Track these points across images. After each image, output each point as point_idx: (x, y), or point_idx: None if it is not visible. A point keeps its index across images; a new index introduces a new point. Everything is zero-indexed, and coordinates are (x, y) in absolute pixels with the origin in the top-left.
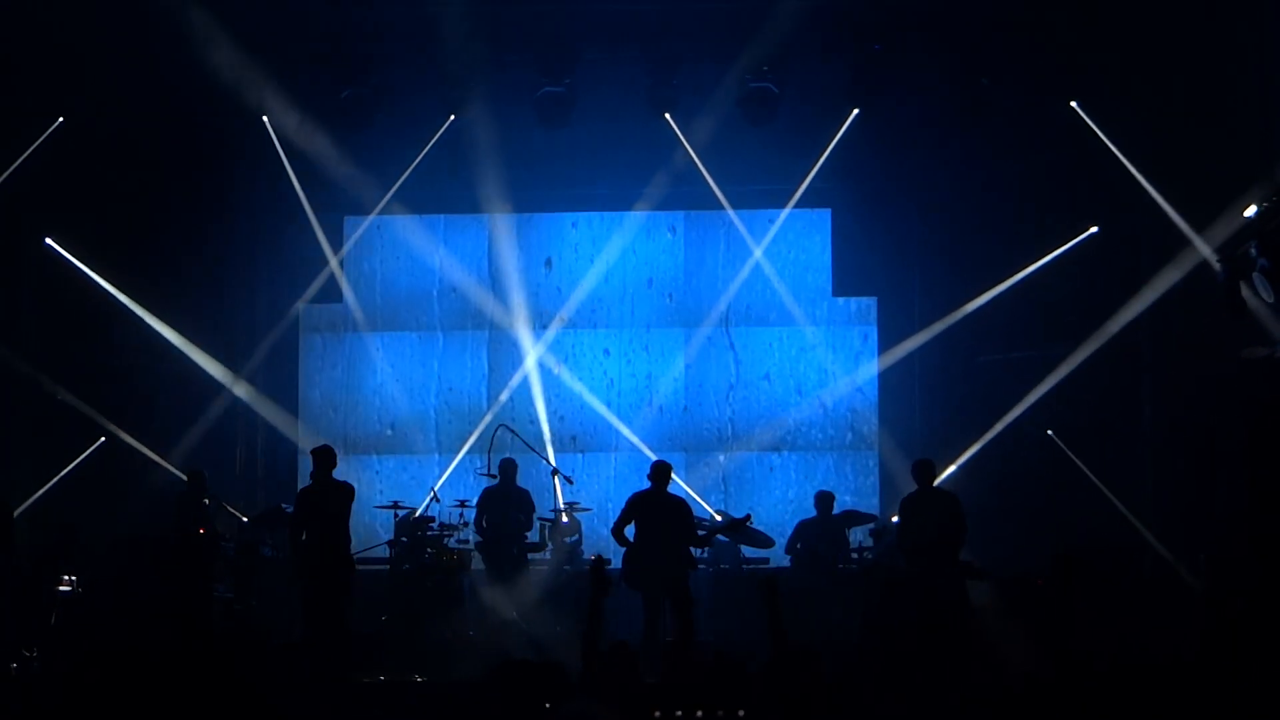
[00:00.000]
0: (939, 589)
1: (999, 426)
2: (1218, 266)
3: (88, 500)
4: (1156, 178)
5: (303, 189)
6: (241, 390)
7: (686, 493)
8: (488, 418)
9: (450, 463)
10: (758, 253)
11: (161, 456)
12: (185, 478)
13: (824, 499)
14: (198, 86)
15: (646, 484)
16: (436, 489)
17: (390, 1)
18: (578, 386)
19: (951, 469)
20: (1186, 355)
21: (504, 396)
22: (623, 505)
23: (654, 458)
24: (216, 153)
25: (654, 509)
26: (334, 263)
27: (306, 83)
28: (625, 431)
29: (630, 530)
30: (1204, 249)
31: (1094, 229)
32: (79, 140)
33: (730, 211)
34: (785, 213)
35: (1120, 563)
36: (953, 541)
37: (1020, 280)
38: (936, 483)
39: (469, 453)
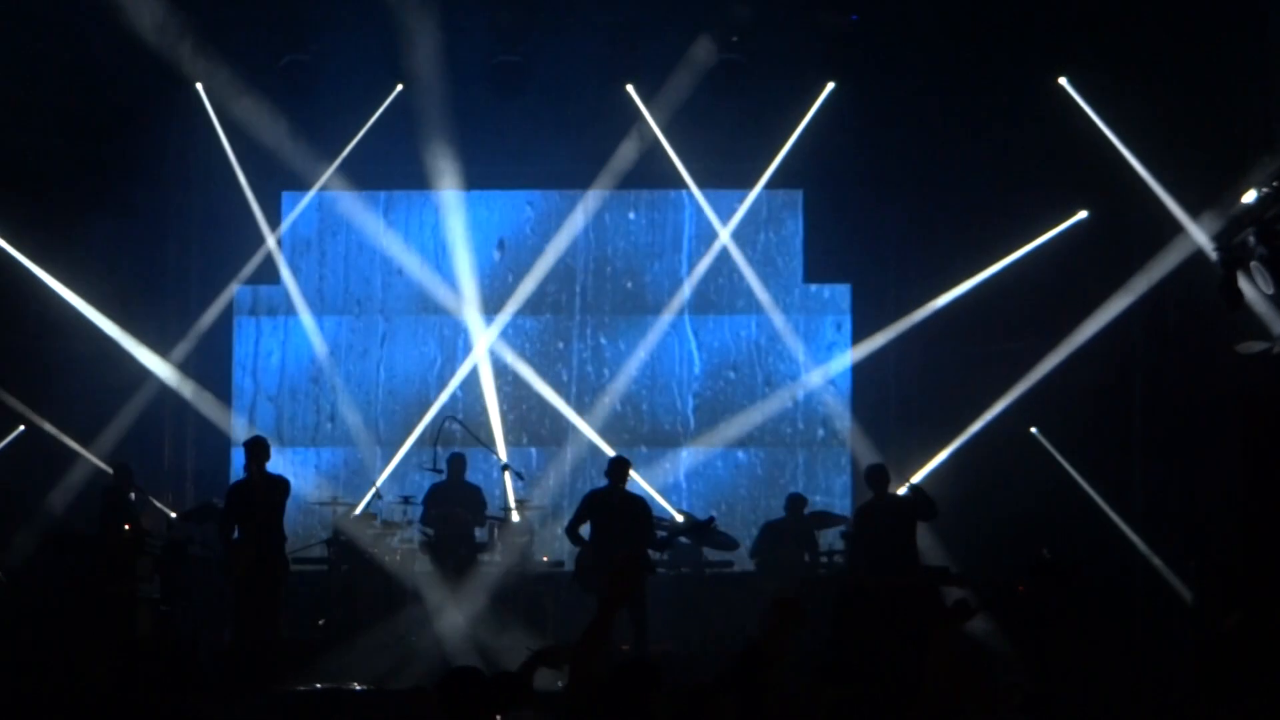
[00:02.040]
0: (908, 598)
1: (979, 423)
2: (1214, 255)
3: (5, 493)
4: (1149, 160)
5: (238, 161)
6: (170, 376)
7: (646, 491)
8: (434, 409)
9: (394, 456)
10: (724, 235)
11: (84, 447)
12: (110, 470)
13: (795, 502)
14: (124, 49)
15: (604, 481)
16: (379, 484)
17: None
18: (530, 376)
19: (929, 468)
20: (1179, 349)
21: (452, 386)
22: (578, 502)
23: (612, 453)
24: (145, 121)
25: (611, 508)
26: (271, 241)
27: (243, 47)
28: (581, 425)
29: (586, 530)
30: (1200, 236)
31: (1083, 213)
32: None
33: (696, 191)
34: (755, 193)
35: (1106, 568)
36: (905, 549)
37: (1004, 267)
38: (914, 482)
39: (414, 446)
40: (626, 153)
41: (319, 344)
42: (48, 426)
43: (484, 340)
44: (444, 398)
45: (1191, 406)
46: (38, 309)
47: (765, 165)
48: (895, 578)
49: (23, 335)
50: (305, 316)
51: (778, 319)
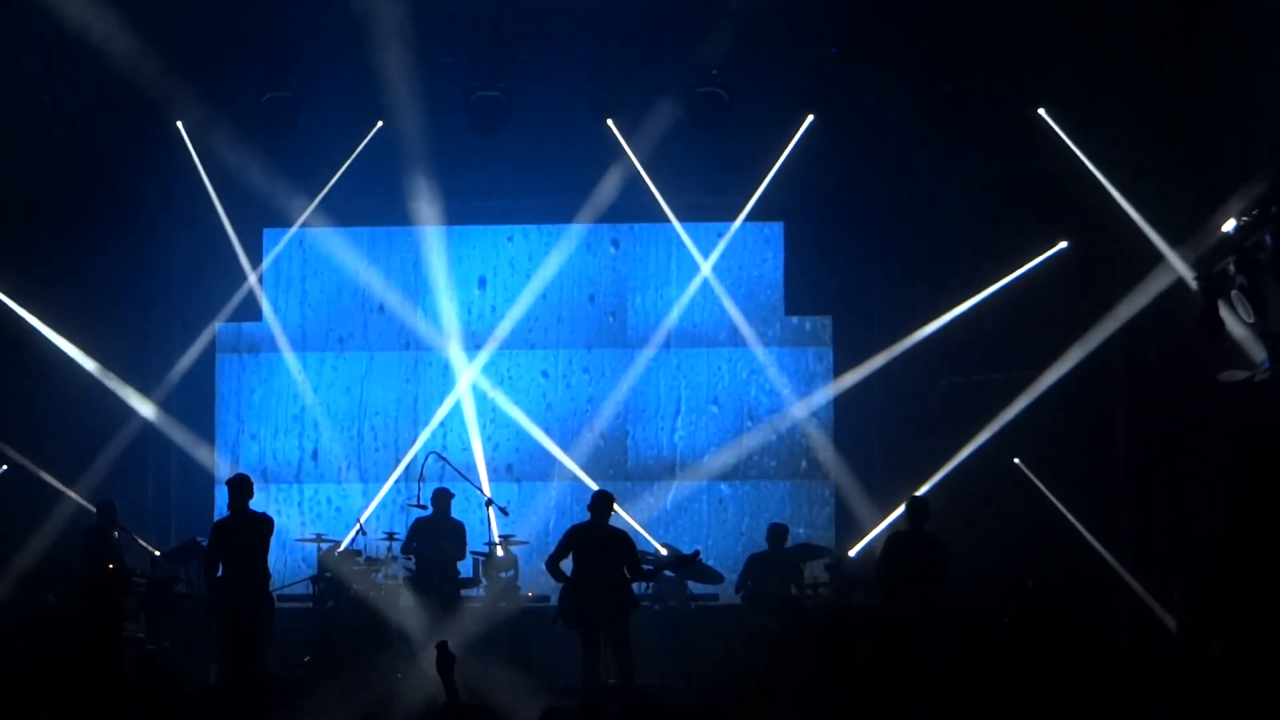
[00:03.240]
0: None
1: (962, 454)
2: (1194, 284)
3: None
4: (1129, 190)
5: (219, 199)
6: (153, 415)
7: (630, 525)
8: (418, 445)
9: (377, 493)
10: (706, 268)
11: (67, 486)
12: (94, 509)
13: (777, 532)
14: (104, 87)
15: (586, 515)
16: (363, 521)
17: None
18: (513, 411)
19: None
20: (1161, 378)
21: (435, 422)
22: (561, 536)
23: (595, 487)
24: (126, 159)
25: (594, 542)
26: (253, 278)
27: (224, 85)
28: (564, 459)
29: (568, 565)
30: (1180, 266)
31: (1064, 244)
32: None
33: (677, 224)
34: (736, 226)
35: (1090, 597)
36: (936, 589)
37: (986, 298)
38: (895, 515)
39: (397, 482)
40: (607, 187)
41: (301, 381)
42: (29, 465)
43: (467, 376)
44: (427, 434)
45: (1174, 435)
46: (19, 347)
47: (746, 198)
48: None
49: (4, 373)
50: (288, 354)
51: (760, 351)
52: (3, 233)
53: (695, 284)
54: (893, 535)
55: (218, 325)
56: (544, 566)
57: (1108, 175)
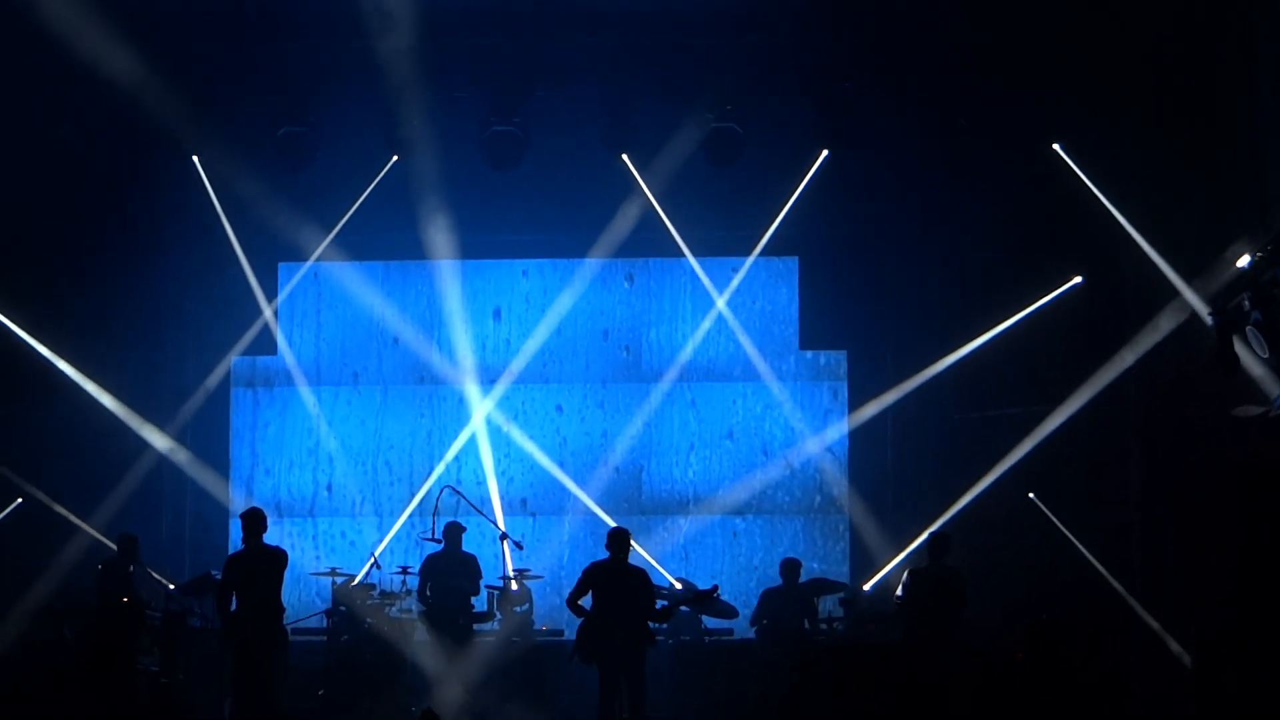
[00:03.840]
0: (905, 662)
1: (977, 489)
2: (1209, 320)
3: (3, 566)
4: (1144, 225)
5: (235, 233)
6: (168, 448)
7: (645, 559)
8: (432, 478)
9: (392, 526)
10: (720, 303)
11: (82, 519)
12: (114, 543)
13: (790, 567)
14: (123, 122)
15: (604, 552)
16: (377, 554)
17: (330, 33)
18: (528, 445)
19: (927, 533)
20: (1176, 413)
21: (449, 456)
22: (579, 574)
23: (610, 522)
24: (143, 193)
25: (612, 579)
26: (268, 312)
27: (240, 119)
28: (579, 494)
29: (587, 601)
30: (1194, 301)
31: (1078, 279)
32: None
33: (691, 259)
34: (752, 261)
35: (1105, 633)
36: (952, 623)
37: (1000, 333)
38: (914, 547)
39: (412, 516)
40: (622, 221)
41: (315, 414)
42: (45, 499)
43: (481, 409)
44: (441, 467)
45: (1188, 471)
46: (35, 380)
47: (760, 232)
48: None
49: (20, 407)
50: (303, 387)
51: (774, 386)
52: (19, 265)
53: (710, 319)
54: (912, 571)
55: (233, 359)
56: (564, 603)
57: (1122, 210)
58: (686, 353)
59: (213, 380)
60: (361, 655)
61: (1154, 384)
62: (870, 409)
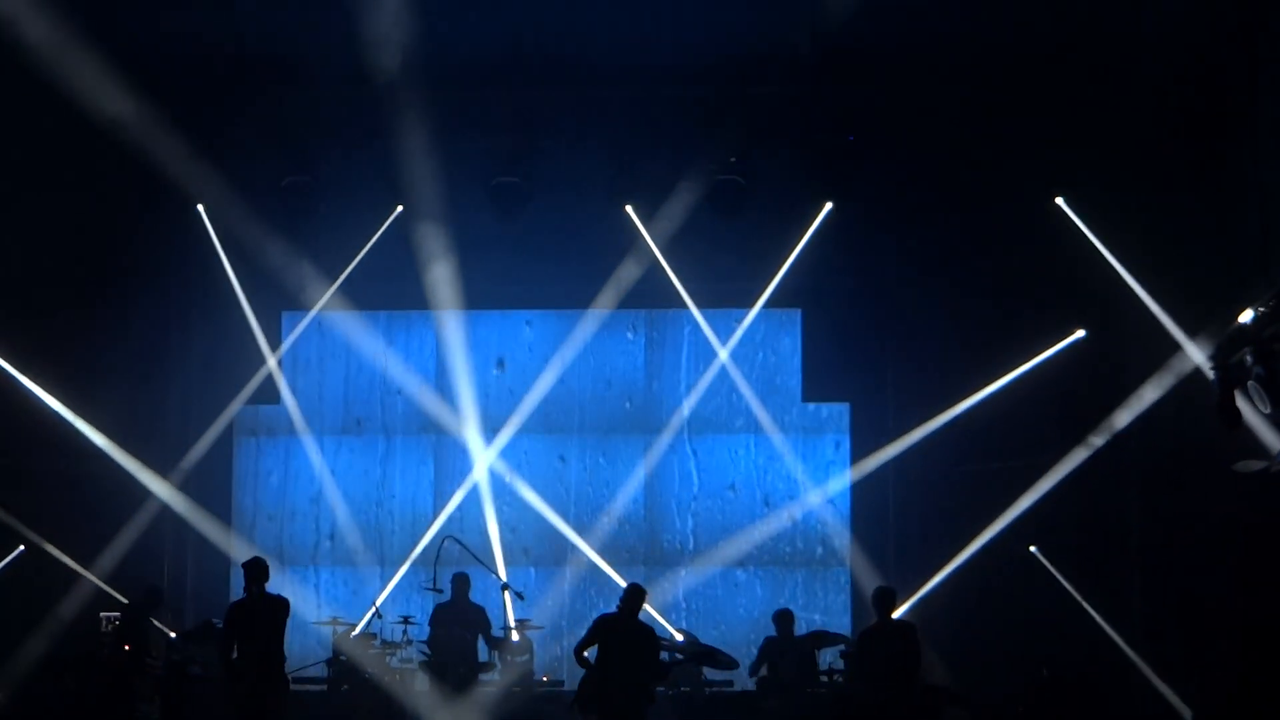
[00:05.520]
0: (908, 716)
1: (979, 542)
2: (1211, 375)
3: (5, 613)
4: (1146, 279)
5: (239, 282)
6: (171, 497)
7: (646, 611)
8: (434, 528)
9: (393, 576)
10: (723, 355)
11: (84, 567)
12: (133, 596)
13: (782, 618)
14: (125, 169)
15: (608, 603)
16: (379, 604)
17: (335, 84)
18: (531, 496)
19: (928, 587)
20: (1178, 469)
21: (452, 506)
22: (588, 624)
23: (611, 573)
24: (147, 242)
25: (619, 634)
26: (271, 361)
27: (245, 169)
28: (581, 544)
29: (593, 653)
30: (1196, 356)
31: (1081, 333)
32: (1, 227)
33: (694, 311)
34: (754, 313)
35: (1106, 688)
36: (908, 675)
37: (1002, 387)
38: (914, 600)
39: (414, 565)
40: (625, 273)
41: (318, 463)
42: (48, 547)
43: (483, 460)
44: (444, 517)
45: (1190, 526)
46: (38, 428)
47: (763, 285)
48: (895, 696)
49: (24, 455)
50: (305, 436)
51: (776, 438)
52: (23, 313)
53: (713, 370)
54: (863, 632)
55: (236, 408)
56: (566, 653)
57: (1124, 264)
58: (690, 404)
59: (216, 429)
60: (362, 705)
61: (1156, 438)
62: (872, 461)
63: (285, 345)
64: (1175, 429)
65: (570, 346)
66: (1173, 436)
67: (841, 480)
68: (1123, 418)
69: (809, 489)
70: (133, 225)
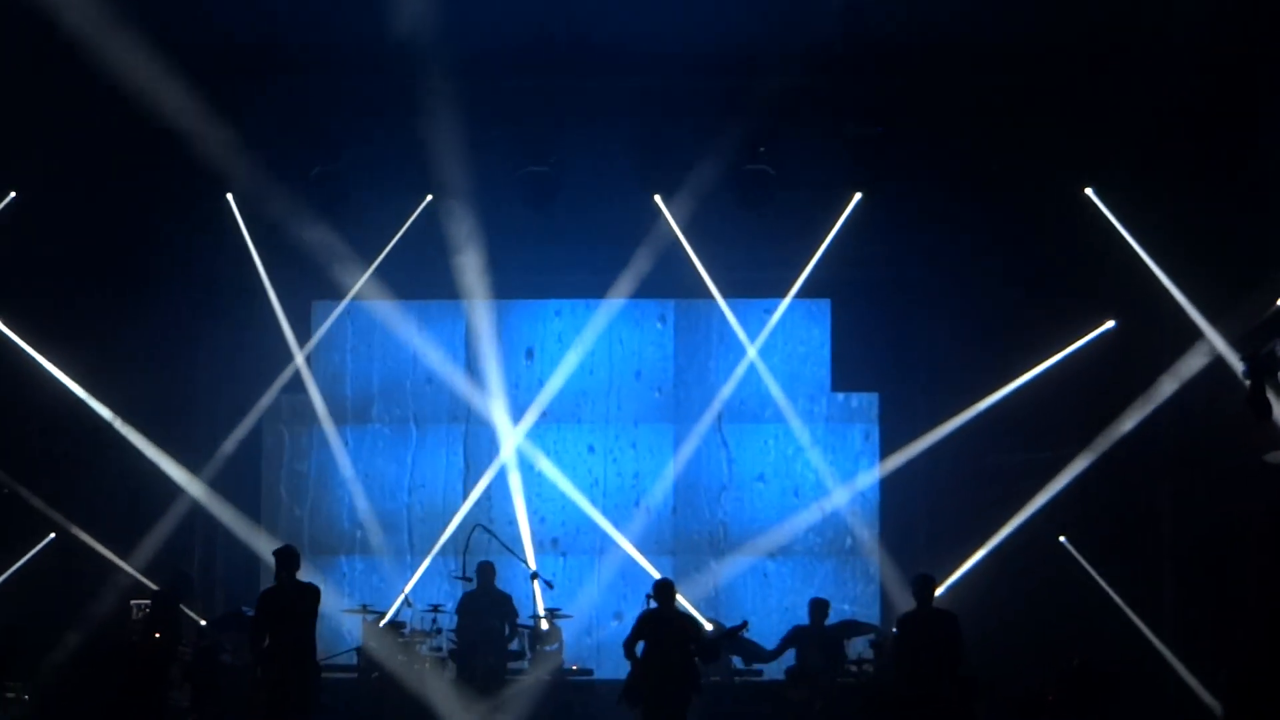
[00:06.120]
0: (941, 712)
1: (1008, 531)
2: (1241, 365)
3: (38, 601)
4: (1175, 269)
5: (268, 272)
6: (200, 486)
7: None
8: (462, 517)
9: (422, 565)
10: (753, 350)
11: (115, 554)
12: (163, 583)
13: (818, 607)
14: (155, 158)
15: (636, 592)
16: (408, 592)
17: (365, 74)
18: (560, 485)
19: (956, 576)
20: (1208, 458)
21: (480, 495)
22: (634, 622)
23: (642, 562)
24: (177, 230)
25: (664, 627)
26: (301, 352)
27: (275, 158)
28: (611, 533)
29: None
30: (1225, 347)
31: (1111, 323)
32: (31, 216)
33: (723, 301)
34: (785, 303)
35: (1135, 678)
36: (951, 666)
37: (1033, 377)
38: (944, 589)
39: (443, 554)
40: (654, 262)
41: (348, 453)
42: (81, 534)
43: (513, 449)
44: (471, 504)
45: (1220, 517)
46: (67, 417)
47: (792, 274)
48: (932, 690)
49: (51, 443)
50: (335, 425)
51: (806, 428)
52: (52, 300)
53: (744, 362)
54: (902, 618)
55: (266, 397)
56: (591, 642)
57: (1153, 254)
58: (720, 394)
59: (246, 418)
60: (391, 693)
61: (1186, 429)
62: (902, 452)
63: (316, 335)
64: (1206, 420)
65: (600, 336)
66: (1202, 427)
67: (871, 470)
68: (1152, 407)
69: (838, 479)
70: (162, 214)
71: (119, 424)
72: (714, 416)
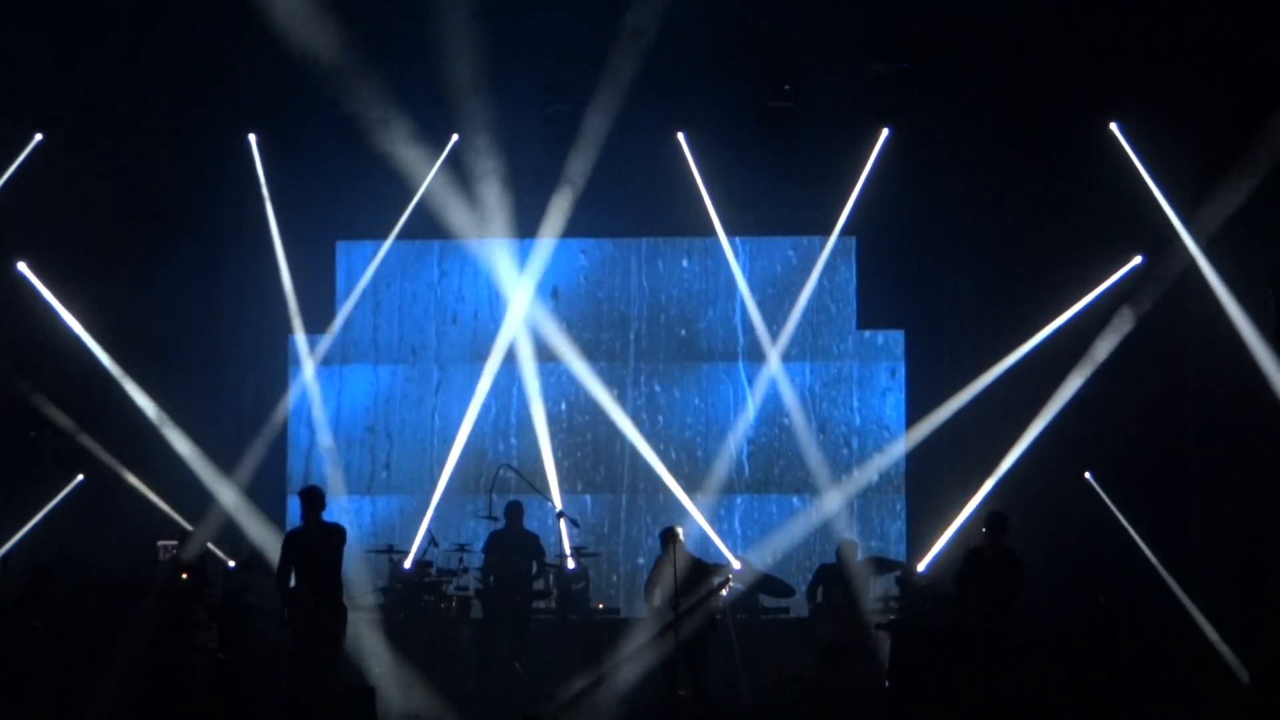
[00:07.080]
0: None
1: (1034, 468)
2: (1271, 301)
3: (67, 541)
4: (1202, 205)
5: (294, 212)
6: (226, 426)
7: (706, 536)
8: (489, 456)
9: (448, 504)
10: (778, 285)
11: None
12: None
13: (845, 547)
14: (175, 99)
15: (659, 527)
16: (434, 532)
17: (388, 13)
18: (585, 424)
19: (983, 512)
20: (1235, 394)
21: (507, 434)
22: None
23: (681, 494)
24: (199, 172)
25: (669, 570)
26: (326, 291)
27: (297, 99)
28: (641, 470)
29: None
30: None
31: (1138, 259)
32: (57, 157)
33: (747, 239)
34: (830, 242)
35: (1157, 617)
36: (1004, 607)
37: (1060, 314)
38: (962, 527)
39: (469, 494)
40: (679, 201)
41: (373, 393)
42: (120, 468)
43: (538, 388)
44: (498, 445)
45: (1246, 455)
46: (97, 366)
47: (818, 212)
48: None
49: (86, 385)
50: (360, 365)
51: (832, 365)
52: (78, 244)
53: (768, 298)
54: (969, 550)
55: (292, 337)
56: (619, 581)
57: (1178, 191)
58: (744, 332)
59: (271, 359)
60: (417, 632)
61: (1212, 368)
62: (928, 389)
63: (340, 275)
64: (1231, 353)
65: (625, 275)
66: (1229, 361)
67: (897, 406)
68: (1179, 344)
69: (864, 416)
70: (184, 156)
71: (164, 424)
72: (739, 354)
